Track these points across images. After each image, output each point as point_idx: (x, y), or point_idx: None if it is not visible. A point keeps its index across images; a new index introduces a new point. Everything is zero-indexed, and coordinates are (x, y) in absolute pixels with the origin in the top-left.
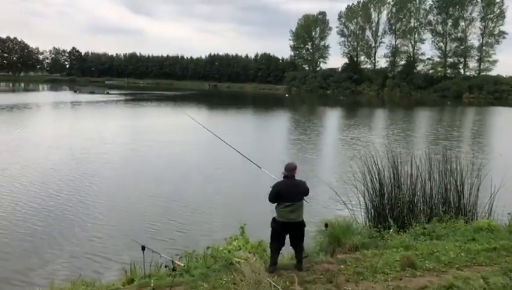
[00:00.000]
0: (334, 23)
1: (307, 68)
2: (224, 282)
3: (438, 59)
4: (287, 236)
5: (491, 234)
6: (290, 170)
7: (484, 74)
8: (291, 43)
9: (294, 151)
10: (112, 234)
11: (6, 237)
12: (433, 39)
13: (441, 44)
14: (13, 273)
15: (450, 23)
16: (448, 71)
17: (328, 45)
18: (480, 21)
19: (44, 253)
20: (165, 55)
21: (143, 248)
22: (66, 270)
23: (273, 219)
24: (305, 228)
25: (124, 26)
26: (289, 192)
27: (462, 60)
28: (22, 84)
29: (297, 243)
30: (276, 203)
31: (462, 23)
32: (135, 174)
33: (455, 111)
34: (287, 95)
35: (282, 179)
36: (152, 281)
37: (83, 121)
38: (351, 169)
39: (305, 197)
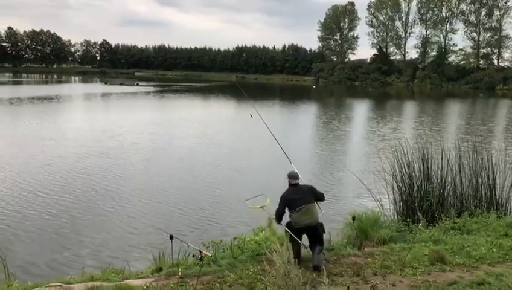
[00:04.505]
0: (363, 13)
1: (335, 59)
2: (250, 273)
3: (471, 50)
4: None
5: None
6: (292, 177)
7: None
8: (319, 33)
9: (323, 142)
10: (141, 224)
11: (37, 226)
12: (465, 29)
13: (474, 34)
14: (45, 261)
15: (483, 13)
16: (481, 62)
17: (356, 36)
18: None
19: (75, 242)
20: (193, 47)
21: (171, 238)
22: (97, 258)
23: (288, 223)
24: (330, 222)
25: (153, 18)
26: (297, 198)
27: (496, 50)
28: (55, 76)
29: (315, 245)
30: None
31: (497, 13)
32: (164, 165)
33: (488, 103)
34: (314, 87)
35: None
36: (180, 270)
37: (113, 112)
38: (380, 161)
39: (319, 203)
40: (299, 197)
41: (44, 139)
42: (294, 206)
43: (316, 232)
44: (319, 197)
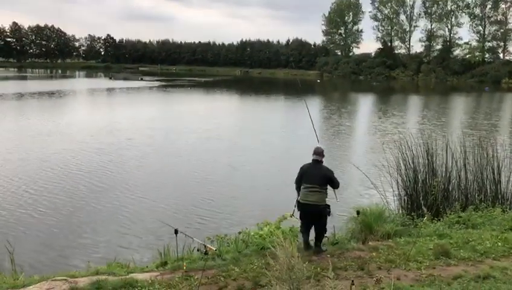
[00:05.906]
0: (367, 7)
1: (339, 53)
2: (255, 267)
3: (476, 43)
4: None
5: None
6: (318, 154)
7: None
8: (324, 28)
9: (326, 136)
10: (146, 218)
11: (43, 222)
12: (471, 23)
13: (480, 27)
14: (50, 255)
15: (489, 6)
16: (487, 56)
17: (361, 30)
18: None
19: (80, 237)
20: (197, 41)
21: (176, 232)
22: (102, 253)
23: (297, 201)
24: (336, 215)
25: (157, 13)
26: (312, 175)
27: (501, 44)
28: (59, 71)
29: (316, 228)
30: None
31: (503, 6)
32: (168, 160)
33: (493, 97)
34: (318, 81)
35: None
36: (185, 264)
37: (118, 108)
38: (384, 155)
39: (335, 190)
40: (314, 175)
41: (53, 135)
42: (306, 181)
43: (317, 214)
44: (334, 185)
